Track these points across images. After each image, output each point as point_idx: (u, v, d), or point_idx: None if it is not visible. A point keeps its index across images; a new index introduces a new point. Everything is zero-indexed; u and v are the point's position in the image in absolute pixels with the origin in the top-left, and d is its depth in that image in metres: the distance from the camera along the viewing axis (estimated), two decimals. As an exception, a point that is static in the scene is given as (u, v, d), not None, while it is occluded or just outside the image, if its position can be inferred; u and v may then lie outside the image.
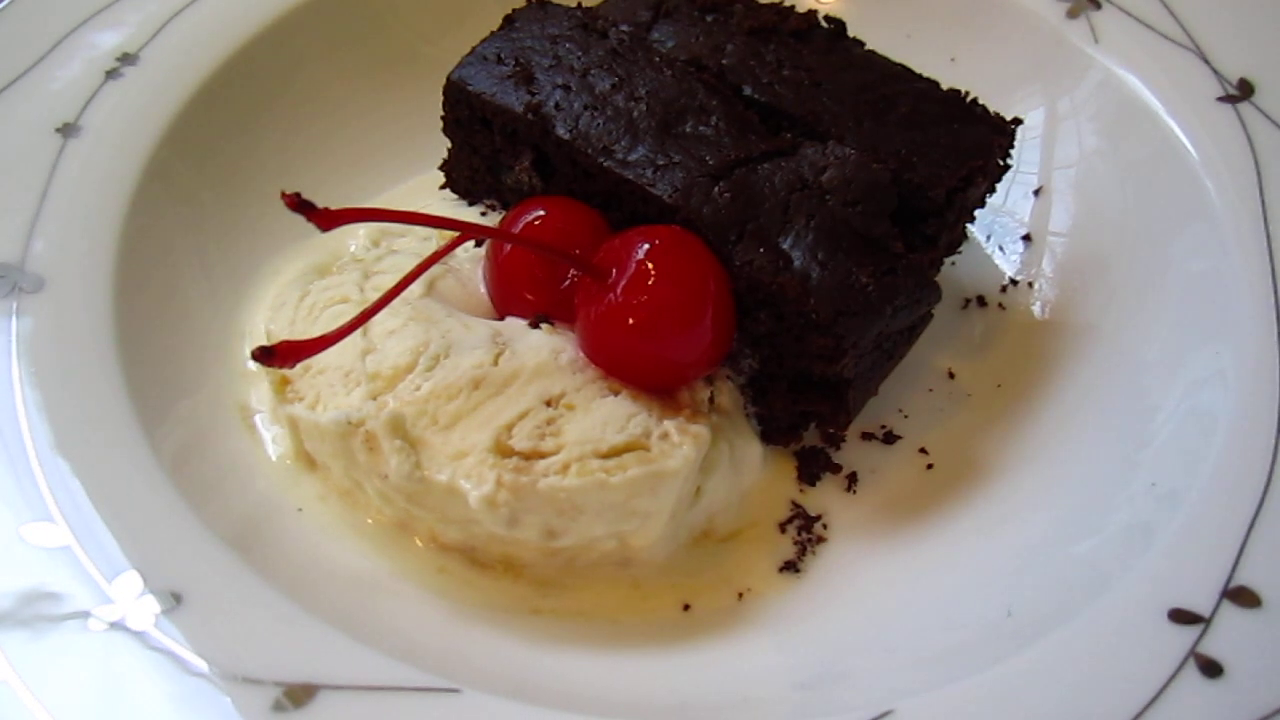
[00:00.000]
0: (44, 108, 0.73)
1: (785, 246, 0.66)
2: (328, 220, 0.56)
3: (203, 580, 0.55)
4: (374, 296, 0.67)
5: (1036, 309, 0.80)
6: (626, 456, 0.61)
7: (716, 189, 0.68)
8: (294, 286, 0.73)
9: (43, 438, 0.61)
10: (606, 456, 0.60)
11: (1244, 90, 0.78)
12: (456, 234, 0.64)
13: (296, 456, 0.67)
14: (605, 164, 0.70)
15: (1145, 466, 0.66)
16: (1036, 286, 0.81)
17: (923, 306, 0.69)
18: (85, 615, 0.53)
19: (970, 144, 0.72)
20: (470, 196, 0.82)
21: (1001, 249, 0.83)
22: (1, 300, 0.64)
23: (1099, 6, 0.85)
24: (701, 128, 0.71)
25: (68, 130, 0.73)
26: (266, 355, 0.55)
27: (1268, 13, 0.81)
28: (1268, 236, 0.69)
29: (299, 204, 0.55)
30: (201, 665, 0.50)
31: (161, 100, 0.76)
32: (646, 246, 0.64)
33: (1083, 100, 0.84)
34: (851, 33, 0.82)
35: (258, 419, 0.70)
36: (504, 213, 0.78)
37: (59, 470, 0.59)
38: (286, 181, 0.81)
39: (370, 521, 0.65)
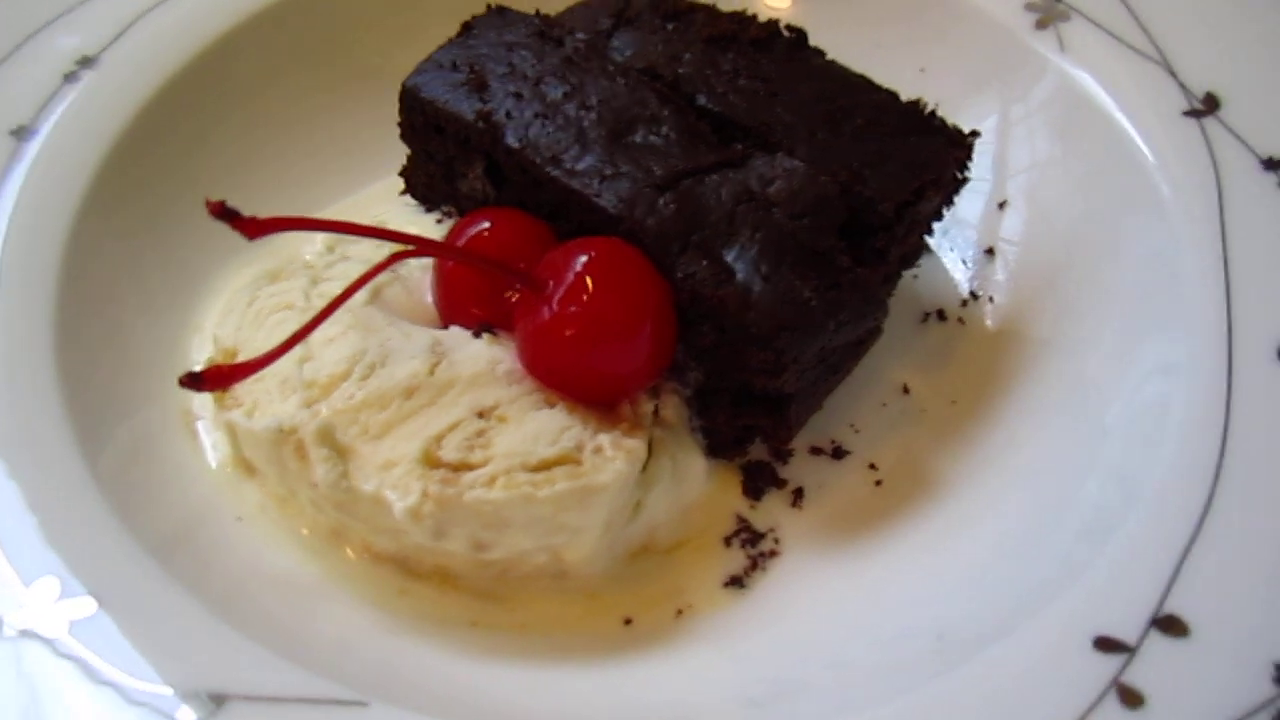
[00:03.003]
0: (0, 109, 0.74)
1: (729, 259, 0.65)
2: (254, 229, 0.56)
3: (122, 588, 0.55)
4: (319, 304, 0.67)
5: (994, 324, 0.79)
6: (556, 470, 0.60)
7: (662, 200, 0.67)
8: (244, 292, 0.73)
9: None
10: (535, 470, 0.60)
11: (1209, 105, 0.76)
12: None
13: (236, 463, 0.67)
14: (553, 173, 0.69)
15: (1089, 490, 0.65)
16: (995, 300, 0.80)
17: (868, 322, 0.68)
18: (-1, 621, 0.53)
19: (925, 157, 0.72)
20: (428, 202, 0.82)
21: (964, 262, 0.82)
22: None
23: (1067, 18, 0.83)
24: (652, 138, 0.71)
25: (21, 133, 0.73)
26: (194, 381, 0.55)
27: (1237, 26, 0.80)
28: (1225, 261, 0.68)
29: (223, 211, 0.55)
30: (110, 673, 0.50)
31: (118, 104, 0.76)
32: (584, 259, 0.64)
33: (1048, 111, 0.82)
34: (820, 42, 0.81)
35: (200, 425, 0.70)
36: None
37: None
38: (245, 187, 0.82)
39: (305, 531, 0.65)
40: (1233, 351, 0.64)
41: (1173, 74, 0.78)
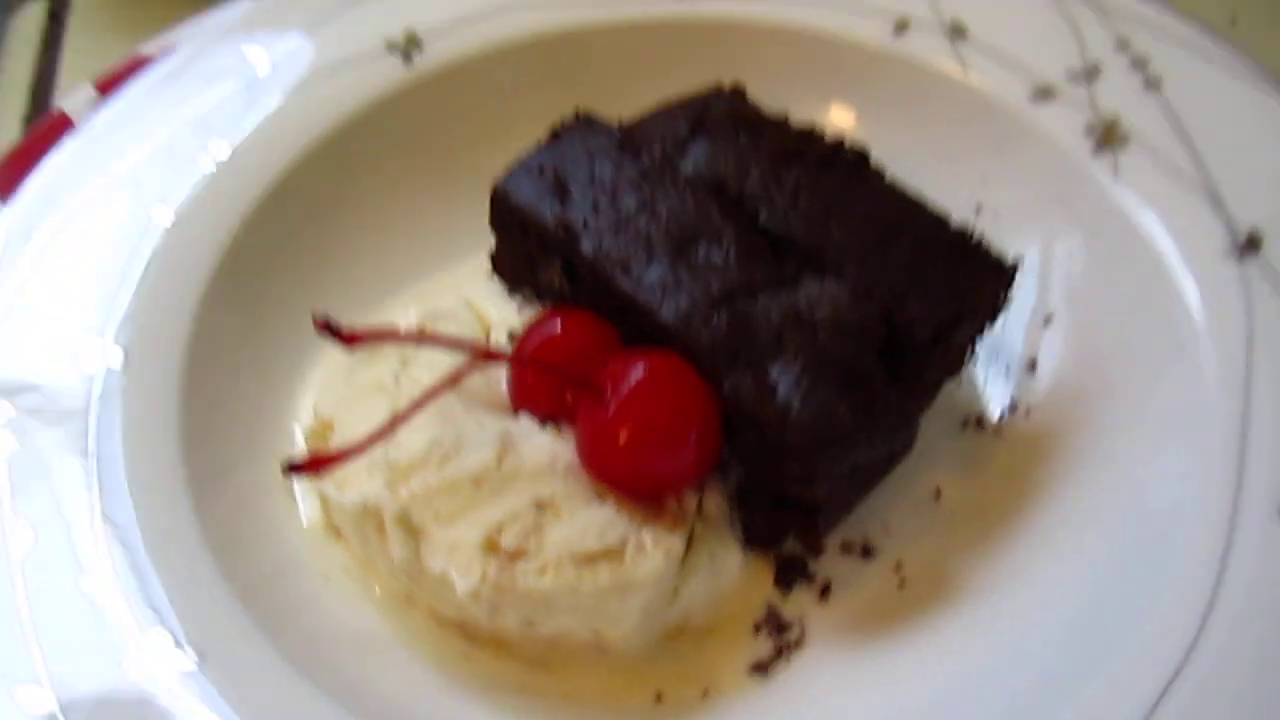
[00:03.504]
0: (146, 201, 0.84)
1: (773, 377, 0.72)
2: (352, 340, 0.65)
3: (221, 642, 0.65)
4: (406, 387, 0.77)
5: (1029, 436, 0.83)
6: (601, 564, 0.68)
7: (716, 317, 0.74)
8: (342, 366, 0.82)
9: (111, 493, 0.72)
10: (582, 562, 0.68)
11: (1252, 244, 0.80)
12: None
13: (326, 526, 0.76)
14: (621, 282, 0.77)
15: (1092, 614, 0.70)
16: (1032, 413, 0.84)
17: (898, 441, 0.74)
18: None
19: (965, 286, 0.77)
20: (513, 285, 0.90)
21: (1007, 371, 0.87)
22: (93, 378, 0.75)
23: (1125, 144, 0.87)
24: (713, 253, 0.77)
25: (163, 221, 0.83)
26: (295, 469, 0.64)
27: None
28: (1245, 410, 0.72)
29: (326, 327, 0.64)
30: (212, 721, 0.60)
31: (242, 197, 0.86)
32: (639, 372, 0.71)
33: (1098, 234, 0.86)
34: (886, 149, 0.87)
35: (296, 487, 0.79)
36: (539, 304, 0.86)
37: (117, 524, 0.70)
38: (352, 262, 0.92)
39: (379, 591, 0.74)
40: (1238, 503, 0.68)
41: (1220, 208, 0.82)
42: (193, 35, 0.97)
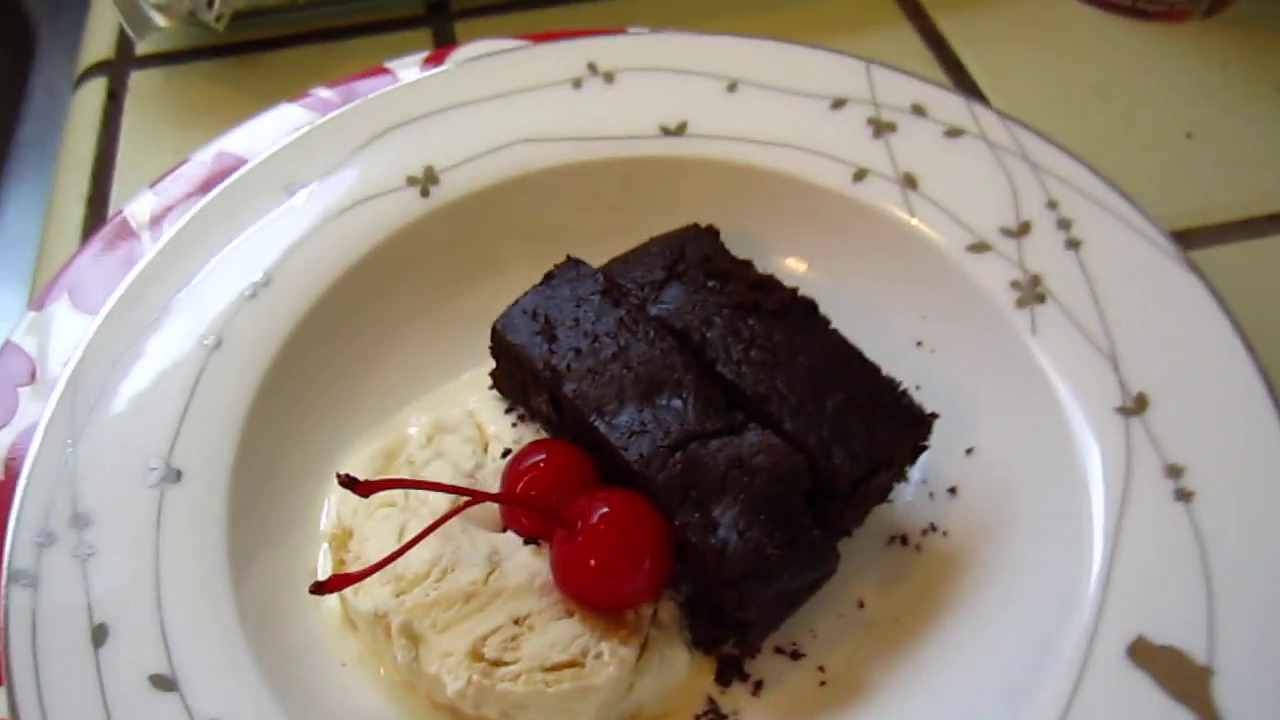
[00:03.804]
0: (198, 324, 1.00)
1: (716, 514, 0.86)
2: (367, 490, 0.80)
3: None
4: (414, 504, 0.92)
5: (945, 554, 0.97)
6: (565, 672, 0.83)
7: (673, 459, 0.88)
8: (360, 472, 0.97)
9: (170, 583, 0.88)
10: (549, 670, 0.83)
11: (1139, 405, 0.93)
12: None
13: (344, 620, 0.92)
14: (595, 423, 0.91)
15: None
16: (949, 534, 0.98)
17: (818, 572, 0.88)
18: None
19: (884, 439, 0.91)
20: (509, 400, 1.04)
21: (931, 496, 1.01)
22: (153, 490, 0.91)
23: (1043, 301, 1.00)
24: (674, 400, 0.92)
25: (214, 344, 0.99)
26: (319, 589, 0.80)
27: (1181, 335, 0.95)
28: (1110, 558, 0.85)
29: (348, 481, 0.79)
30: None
31: (281, 319, 1.01)
32: (604, 509, 0.85)
33: (1014, 381, 0.99)
34: (837, 292, 1.01)
35: (321, 581, 0.95)
36: (531, 420, 1.01)
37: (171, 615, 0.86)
38: (373, 371, 1.07)
39: (383, 673, 0.90)
40: (1093, 643, 0.82)
41: (1116, 370, 0.95)
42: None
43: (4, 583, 0.86)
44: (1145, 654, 0.81)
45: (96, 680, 0.82)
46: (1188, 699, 0.78)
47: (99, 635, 0.84)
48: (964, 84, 1.38)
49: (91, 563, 0.87)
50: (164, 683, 0.82)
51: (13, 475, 0.94)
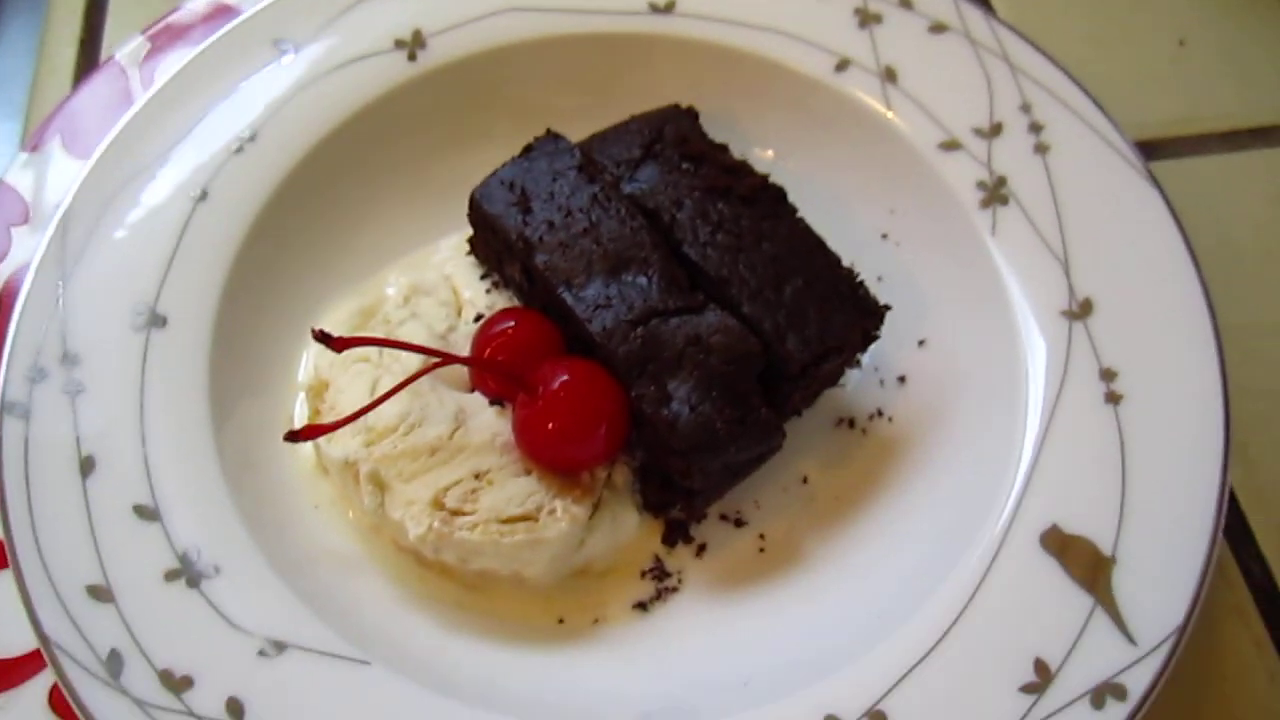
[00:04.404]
0: (185, 176, 1.02)
1: (670, 388, 0.91)
2: (340, 345, 0.85)
3: (234, 557, 0.87)
4: (388, 361, 0.97)
5: (889, 438, 1.03)
6: (519, 525, 0.89)
7: (634, 333, 0.93)
8: (338, 328, 1.02)
9: (154, 422, 0.93)
10: (504, 523, 0.89)
11: (1084, 309, 0.97)
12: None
13: (317, 465, 0.98)
14: (563, 294, 0.95)
15: (908, 588, 0.90)
16: (894, 420, 1.03)
17: (763, 448, 0.93)
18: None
19: (837, 327, 0.95)
20: (485, 267, 1.08)
21: (881, 383, 1.06)
22: (139, 333, 0.95)
23: (1006, 203, 1.03)
24: (640, 278, 0.95)
25: (200, 196, 1.02)
26: (294, 436, 0.85)
27: (1134, 241, 0.99)
28: (1037, 453, 0.91)
29: (322, 336, 0.83)
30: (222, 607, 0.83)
31: (267, 175, 1.04)
32: (566, 376, 0.90)
33: (971, 278, 1.03)
34: (816, 182, 1.05)
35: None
36: (505, 290, 1.05)
37: (154, 452, 0.92)
38: (356, 229, 1.10)
39: (351, 516, 0.96)
40: (1010, 529, 0.88)
41: (1067, 275, 0.99)
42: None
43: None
44: (1056, 541, 0.87)
45: (84, 507, 0.88)
46: (1089, 584, 0.85)
47: (87, 466, 0.89)
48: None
49: (80, 399, 0.92)
50: (147, 513, 0.88)
51: (6, 310, 0.99)
